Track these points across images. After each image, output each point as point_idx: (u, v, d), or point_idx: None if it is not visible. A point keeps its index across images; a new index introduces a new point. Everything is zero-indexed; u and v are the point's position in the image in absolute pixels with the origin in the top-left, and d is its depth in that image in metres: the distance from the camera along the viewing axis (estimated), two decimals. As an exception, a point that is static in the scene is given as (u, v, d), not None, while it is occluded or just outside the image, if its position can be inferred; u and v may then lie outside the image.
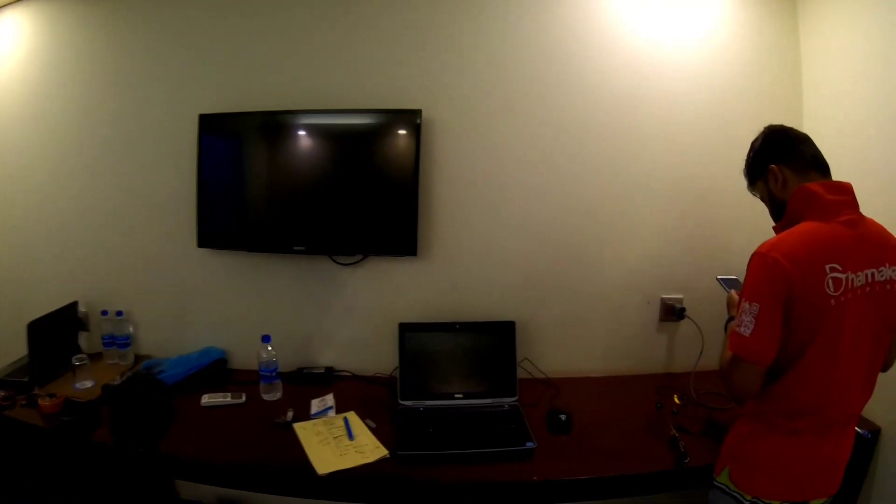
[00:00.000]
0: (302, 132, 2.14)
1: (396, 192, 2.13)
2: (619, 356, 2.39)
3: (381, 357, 2.23)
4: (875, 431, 1.94)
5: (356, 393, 2.09)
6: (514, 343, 2.14)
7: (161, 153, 2.25)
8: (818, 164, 1.52)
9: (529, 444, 1.74)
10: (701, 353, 2.28)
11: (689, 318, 2.32)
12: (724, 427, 1.71)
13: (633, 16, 2.21)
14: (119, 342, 2.23)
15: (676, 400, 2.06)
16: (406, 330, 2.09)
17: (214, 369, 2.16)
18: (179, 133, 2.20)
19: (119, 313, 2.24)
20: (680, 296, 2.36)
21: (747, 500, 1.49)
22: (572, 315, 2.34)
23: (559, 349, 2.34)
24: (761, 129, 1.65)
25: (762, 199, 1.64)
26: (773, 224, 1.58)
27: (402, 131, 2.12)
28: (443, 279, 2.26)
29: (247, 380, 2.09)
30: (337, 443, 1.73)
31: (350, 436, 1.77)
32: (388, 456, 1.68)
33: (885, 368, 1.55)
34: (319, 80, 2.16)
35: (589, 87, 2.21)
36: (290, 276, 2.25)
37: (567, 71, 2.20)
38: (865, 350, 1.44)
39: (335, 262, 2.22)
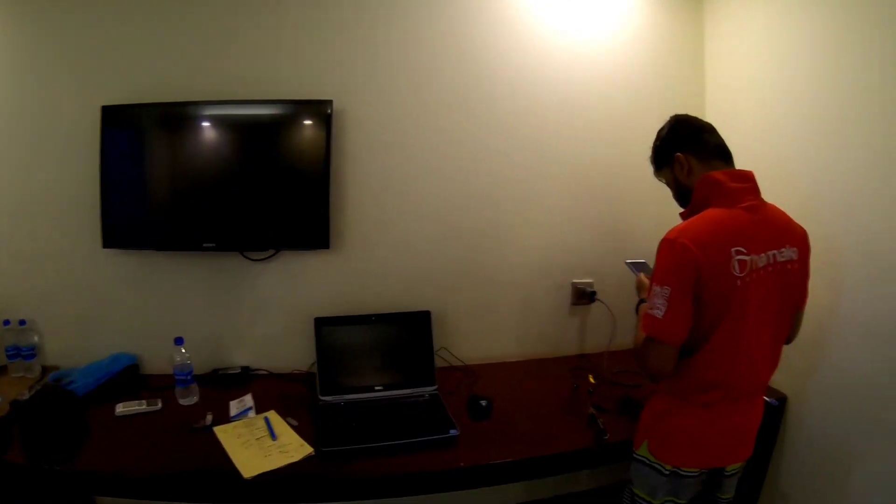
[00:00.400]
0: (210, 124, 2.05)
1: (307, 185, 2.10)
2: (533, 340, 2.47)
3: (297, 353, 2.20)
4: (782, 399, 2.10)
5: (274, 391, 2.05)
6: (431, 332, 2.16)
7: (62, 148, 2.08)
8: (721, 153, 1.62)
9: (453, 432, 1.77)
10: (613, 334, 2.39)
11: (599, 300, 2.42)
12: (640, 403, 1.81)
13: (545, 10, 2.26)
14: (24, 353, 2.07)
15: (591, 380, 2.14)
16: (322, 324, 2.07)
17: (126, 376, 2.04)
18: (81, 126, 2.05)
19: (22, 322, 2.10)
20: (590, 280, 2.45)
21: (667, 470, 1.59)
22: (486, 302, 2.39)
23: (475, 336, 2.39)
24: (666, 119, 1.74)
25: (668, 185, 1.73)
26: (680, 210, 1.67)
27: (312, 122, 2.09)
28: (357, 271, 2.25)
29: (161, 385, 2.01)
30: (260, 444, 1.70)
31: (273, 436, 1.74)
32: (314, 453, 1.66)
33: (788, 341, 1.68)
34: (230, 70, 2.08)
35: (499, 79, 2.26)
36: (200, 275, 2.18)
37: (478, 64, 2.23)
38: (770, 325, 1.56)
39: (246, 258, 2.17)
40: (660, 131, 1.73)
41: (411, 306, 2.22)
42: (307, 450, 1.68)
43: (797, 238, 1.58)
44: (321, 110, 2.06)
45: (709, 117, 1.74)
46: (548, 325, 2.47)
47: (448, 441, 1.76)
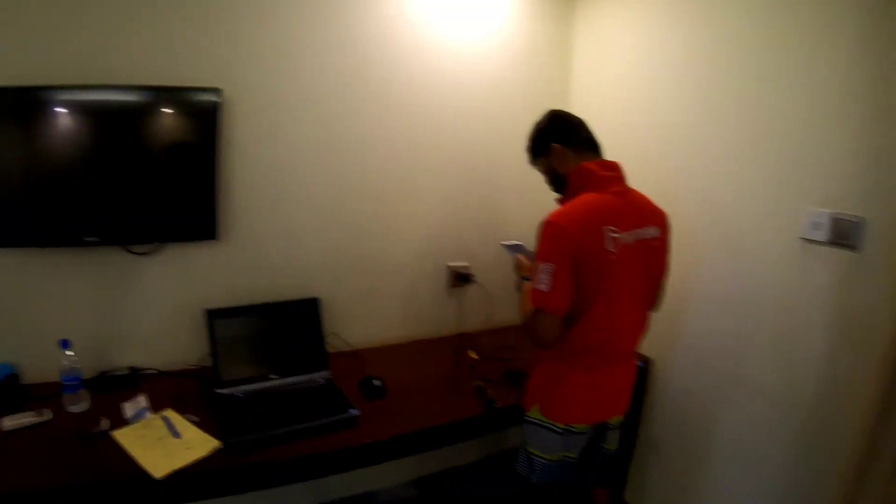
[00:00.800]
0: (88, 111, 1.87)
1: (194, 175, 2.03)
2: (417, 322, 2.60)
3: (188, 348, 2.15)
4: (647, 361, 2.42)
5: (168, 389, 1.99)
6: (320, 319, 2.21)
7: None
8: (592, 145, 1.83)
9: (353, 412, 1.85)
10: (489, 312, 2.58)
11: (476, 282, 2.59)
12: (521, 373, 2.00)
13: (429, 11, 2.37)
14: None
15: (473, 356, 2.30)
16: (213, 316, 2.04)
17: (5, 388, 1.86)
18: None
19: None
20: (466, 263, 2.62)
21: (560, 429, 1.78)
22: (372, 287, 2.48)
23: (363, 321, 2.47)
24: (535, 114, 1.91)
25: (543, 173, 1.90)
26: (557, 196, 1.85)
27: (200, 111, 2.01)
28: (247, 261, 2.23)
29: (47, 394, 1.85)
30: (163, 443, 1.66)
31: (175, 434, 1.72)
32: (221, 446, 1.65)
33: (654, 309, 1.93)
34: (118, 56, 1.93)
35: (383, 76, 2.34)
36: (82, 272, 2.02)
37: (363, 60, 2.30)
38: (638, 295, 1.80)
39: (131, 252, 2.05)
40: (537, 124, 1.89)
41: (301, 294, 2.25)
42: (213, 443, 1.67)
43: (659, 219, 1.82)
44: (209, 99, 2.00)
45: (574, 111, 1.95)
46: (429, 307, 2.62)
47: (349, 421, 1.83)
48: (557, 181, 1.85)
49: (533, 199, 2.57)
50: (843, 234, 1.86)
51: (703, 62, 2.25)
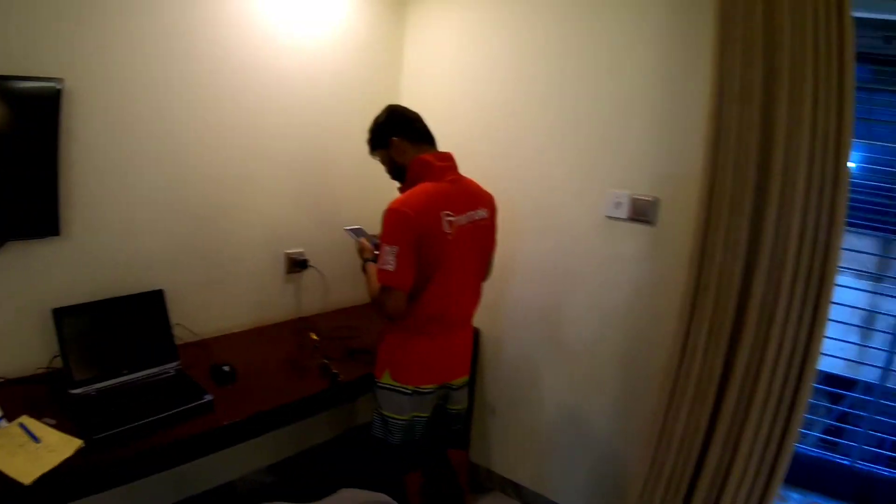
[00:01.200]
0: None
1: (33, 169, 1.93)
2: (259, 309, 2.71)
3: (38, 351, 2.07)
4: (476, 331, 2.68)
5: (17, 395, 1.93)
6: (166, 310, 2.25)
7: None
8: (429, 138, 2.12)
9: (207, 397, 1.93)
10: (326, 295, 2.80)
11: (313, 267, 2.77)
12: (360, 350, 2.27)
13: (269, 7, 2.47)
14: None
15: (314, 337, 2.46)
16: (61, 316, 1.99)
17: None
18: None
19: None
20: (302, 249, 2.77)
21: (409, 390, 2.08)
22: (214, 277, 2.55)
23: (207, 310, 2.53)
24: (369, 107, 2.16)
25: (382, 163, 2.16)
26: (398, 185, 2.11)
27: (40, 101, 1.90)
28: (92, 256, 2.19)
29: None
30: (25, 450, 1.67)
31: (35, 439, 1.72)
32: (84, 445, 1.68)
33: (485, 279, 2.26)
34: None
35: (226, 67, 2.40)
36: None
37: (208, 53, 2.34)
38: (472, 269, 2.14)
39: None
40: (377, 118, 2.14)
41: (146, 287, 2.26)
42: (76, 443, 1.69)
43: (487, 201, 2.17)
44: (49, 88, 1.90)
45: (405, 104, 2.23)
46: (269, 294, 2.74)
47: (205, 406, 1.92)
48: (397, 171, 2.12)
49: (365, 187, 2.84)
50: (641, 212, 2.38)
51: (523, 60, 2.63)
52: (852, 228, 4.18)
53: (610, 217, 2.46)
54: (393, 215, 1.91)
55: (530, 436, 2.89)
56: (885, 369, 3.43)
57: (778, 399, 2.06)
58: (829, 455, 3.57)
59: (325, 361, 2.26)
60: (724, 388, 2.11)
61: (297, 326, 2.70)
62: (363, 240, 2.31)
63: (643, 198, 2.37)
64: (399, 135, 2.10)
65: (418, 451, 2.23)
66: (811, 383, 2.05)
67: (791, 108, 1.96)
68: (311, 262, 2.80)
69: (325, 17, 2.69)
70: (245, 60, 2.45)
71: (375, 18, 2.91)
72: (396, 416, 2.13)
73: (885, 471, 3.58)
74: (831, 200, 1.96)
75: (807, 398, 2.06)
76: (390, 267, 1.89)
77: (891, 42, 4.35)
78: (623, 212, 2.41)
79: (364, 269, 2.21)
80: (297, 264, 2.78)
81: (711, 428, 2.16)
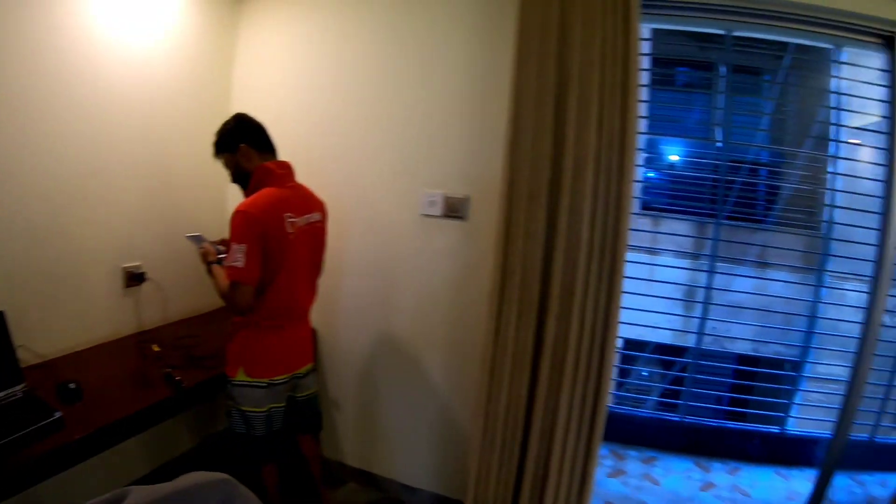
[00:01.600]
0: None
1: None
2: (100, 325, 2.67)
3: None
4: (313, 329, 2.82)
5: None
6: (8, 333, 2.16)
7: None
8: (272, 148, 2.34)
9: (57, 414, 1.91)
10: (166, 306, 2.84)
11: (150, 279, 2.78)
12: (202, 356, 2.40)
13: (97, 15, 2.44)
14: None
15: (156, 348, 2.51)
16: None
17: None
18: None
19: None
20: (139, 262, 2.76)
21: (264, 383, 2.27)
22: (54, 295, 2.47)
23: (51, 330, 2.46)
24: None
25: (226, 166, 2.34)
26: (243, 191, 2.29)
27: None
28: None
29: None
30: None
31: None
32: None
33: (319, 276, 2.49)
34: None
35: (58, 80, 2.35)
36: None
37: (35, 65, 2.27)
38: (309, 266, 2.38)
39: None
40: (225, 124, 2.30)
41: None
42: None
43: (320, 206, 2.41)
44: None
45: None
46: (110, 309, 2.70)
47: (55, 424, 1.89)
48: (241, 176, 2.29)
49: (202, 197, 2.94)
50: (454, 209, 2.68)
51: (347, 72, 2.87)
52: (671, 215, 4.74)
53: (425, 215, 2.73)
54: (241, 216, 2.09)
55: (375, 424, 3.10)
56: (701, 334, 3.94)
57: (587, 364, 2.41)
58: (662, 414, 4.04)
59: (168, 370, 2.32)
60: (538, 358, 2.45)
61: (140, 340, 2.70)
62: (205, 245, 2.43)
63: (455, 196, 2.66)
64: (246, 142, 2.28)
65: (280, 441, 2.43)
66: (614, 348, 2.41)
67: (580, 112, 2.32)
68: (149, 275, 2.80)
69: (157, 25, 2.71)
70: (78, 74, 2.42)
71: (206, 30, 2.96)
72: (255, 410, 2.29)
73: (710, 422, 4.11)
74: (618, 189, 2.31)
75: (612, 362, 2.43)
76: (239, 263, 2.06)
77: (703, 50, 4.95)
78: (437, 209, 2.71)
79: (210, 272, 2.34)
80: (134, 278, 2.76)
81: (532, 395, 2.46)
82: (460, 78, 2.64)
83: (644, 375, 5.35)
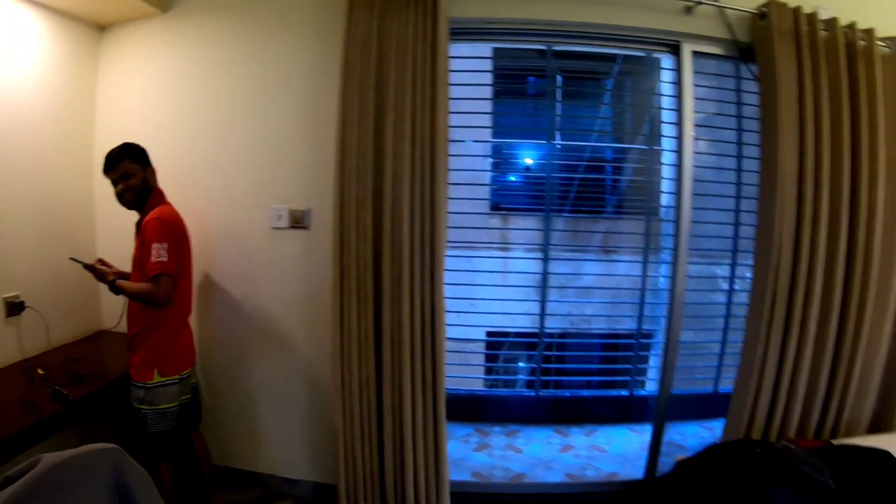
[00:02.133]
0: None
1: None
2: None
3: None
4: None
5: None
6: None
7: None
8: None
9: None
10: (49, 333, 2.99)
11: (30, 307, 2.89)
12: (88, 374, 2.61)
13: None
14: None
15: (41, 371, 2.64)
16: None
17: None
18: None
19: None
20: (17, 292, 2.86)
21: (176, 379, 2.61)
22: None
23: None
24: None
25: (131, 176, 2.56)
26: (138, 209, 2.61)
27: None
28: None
29: None
30: None
31: None
32: None
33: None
34: None
35: None
36: None
37: None
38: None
39: None
40: (135, 145, 2.64)
41: None
42: None
43: None
44: None
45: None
46: None
47: None
48: (143, 192, 2.60)
49: (74, 218, 3.19)
50: (298, 220, 3.08)
51: (201, 100, 3.18)
52: (520, 212, 5.25)
53: (274, 228, 3.09)
54: (159, 221, 2.48)
55: (254, 424, 3.36)
56: (555, 315, 4.40)
57: (421, 342, 2.82)
58: (522, 392, 4.49)
59: (56, 387, 2.45)
60: (380, 341, 2.81)
61: (25, 366, 2.77)
62: (98, 265, 2.65)
63: (298, 209, 3.03)
64: (149, 165, 2.67)
65: (181, 434, 2.72)
66: (444, 323, 2.80)
67: (396, 130, 2.74)
68: (28, 303, 2.88)
69: (20, 58, 2.84)
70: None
71: (68, 62, 3.11)
72: (170, 405, 2.61)
73: (565, 392, 4.61)
74: (431, 191, 2.71)
75: (443, 336, 2.81)
76: (164, 258, 2.42)
77: (542, 61, 5.50)
78: (284, 222, 3.08)
79: (115, 287, 2.54)
80: (13, 307, 2.83)
81: (379, 374, 2.83)
82: (298, 107, 3.02)
83: (510, 359, 5.81)
